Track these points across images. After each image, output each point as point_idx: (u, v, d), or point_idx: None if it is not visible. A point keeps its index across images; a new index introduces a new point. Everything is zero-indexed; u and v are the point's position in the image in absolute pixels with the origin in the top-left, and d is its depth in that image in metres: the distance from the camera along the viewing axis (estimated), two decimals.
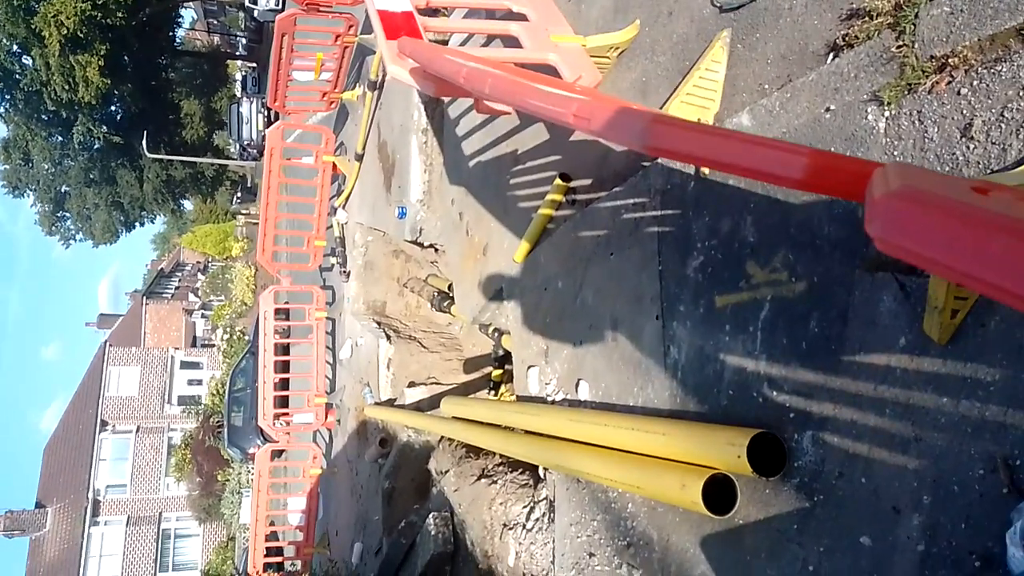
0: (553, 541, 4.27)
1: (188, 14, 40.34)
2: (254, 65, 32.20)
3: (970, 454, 2.04)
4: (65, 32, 23.57)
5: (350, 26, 8.25)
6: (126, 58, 28.78)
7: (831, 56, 2.68)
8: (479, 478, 5.41)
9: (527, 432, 4.52)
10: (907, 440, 2.22)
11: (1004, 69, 2.06)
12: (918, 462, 2.18)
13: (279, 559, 10.67)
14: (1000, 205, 0.76)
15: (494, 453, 5.34)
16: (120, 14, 25.32)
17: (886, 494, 2.27)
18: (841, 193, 1.15)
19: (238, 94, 31.00)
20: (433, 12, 4.77)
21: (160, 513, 27.97)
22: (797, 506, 2.59)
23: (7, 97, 28.44)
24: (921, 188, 0.74)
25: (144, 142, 28.04)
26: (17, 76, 27.04)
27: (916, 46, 2.30)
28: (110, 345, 29.96)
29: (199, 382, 29.84)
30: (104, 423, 28.05)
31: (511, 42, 4.21)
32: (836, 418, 2.48)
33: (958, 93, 2.17)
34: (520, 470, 5.10)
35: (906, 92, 2.31)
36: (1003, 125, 2.05)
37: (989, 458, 2.00)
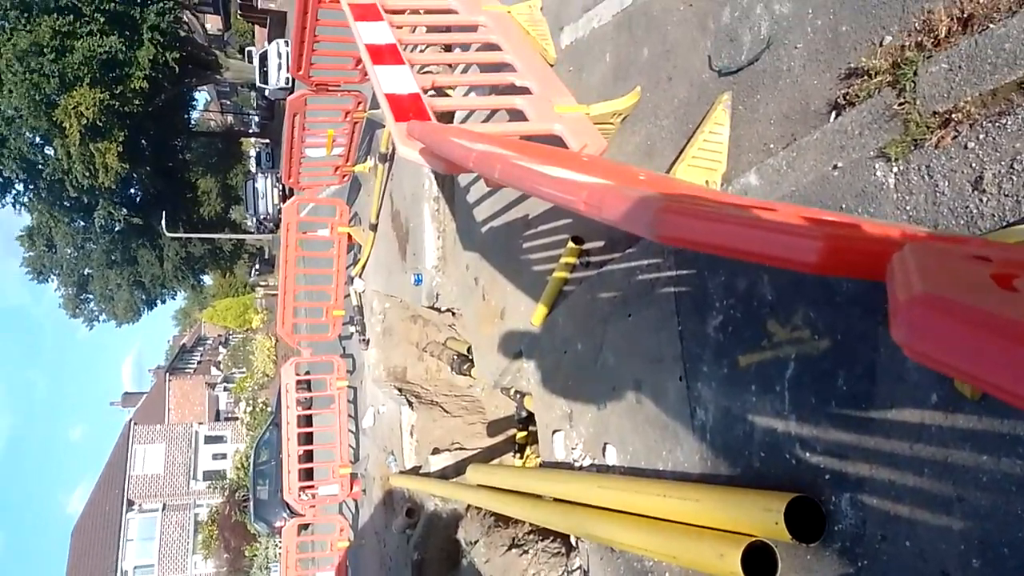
0: None
1: (202, 96, 41.73)
2: (267, 141, 33.10)
3: (1017, 513, 1.98)
4: (85, 122, 24.40)
5: (359, 103, 8.48)
6: (143, 142, 29.69)
7: (833, 114, 2.71)
8: (510, 547, 5.30)
9: (556, 499, 4.44)
10: (949, 500, 2.16)
11: (1009, 122, 2.07)
12: (963, 523, 2.11)
13: None
14: None
15: (524, 521, 5.24)
16: (137, 101, 26.22)
17: (933, 557, 2.20)
18: (860, 275, 1.15)
19: (252, 169, 31.82)
20: (439, 91, 4.90)
21: None
22: (841, 571, 2.50)
23: (31, 187, 29.30)
24: (942, 294, 0.73)
25: (163, 221, 28.68)
26: (40, 166, 27.91)
27: (918, 102, 2.33)
28: (135, 423, 30.09)
29: (223, 456, 29.80)
30: (131, 503, 27.96)
31: (516, 114, 4.30)
32: (873, 478, 2.41)
33: (965, 147, 2.17)
34: (551, 538, 5.00)
35: (912, 147, 2.33)
36: (1014, 177, 2.05)
37: None
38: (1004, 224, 2.04)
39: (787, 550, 2.66)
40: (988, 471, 2.05)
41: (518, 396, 6.05)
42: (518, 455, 7.09)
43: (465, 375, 8.18)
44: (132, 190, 32.34)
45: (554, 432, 4.74)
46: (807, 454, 2.66)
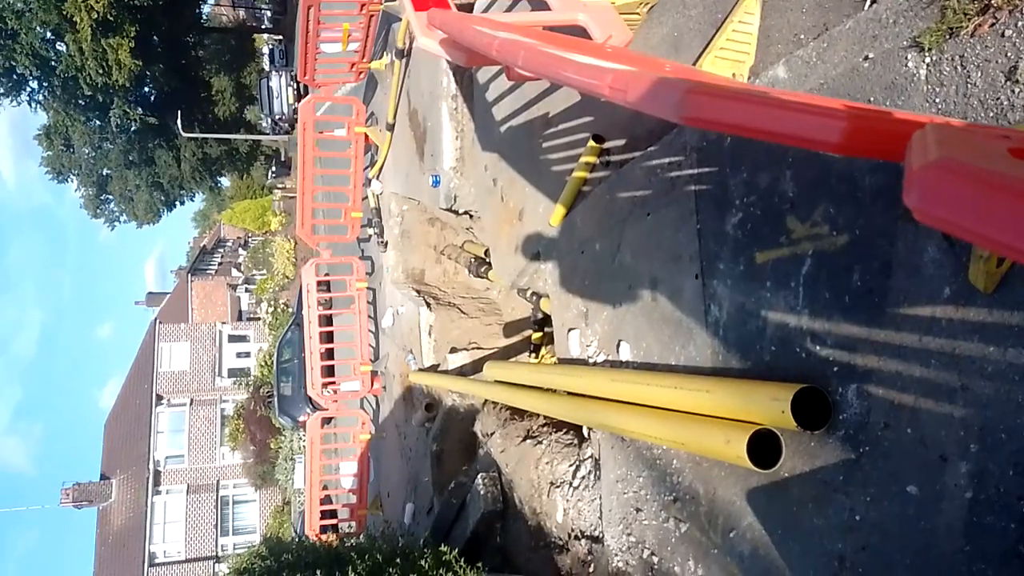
0: (600, 497, 4.37)
1: None
2: (280, 38, 32.23)
3: (1018, 401, 2.05)
4: (96, 16, 23.87)
5: None
6: (155, 38, 29.07)
7: (868, 2, 2.62)
8: (524, 439, 5.53)
9: (570, 393, 4.59)
10: (953, 389, 2.23)
11: None
12: (965, 411, 2.19)
13: (334, 521, 11.06)
14: None
15: (538, 414, 5.44)
16: None
17: (933, 443, 2.29)
18: (882, 155, 1.16)
19: (266, 68, 31.10)
20: None
21: (218, 481, 29.08)
22: (843, 457, 2.61)
23: (45, 85, 29.01)
24: (958, 158, 0.75)
25: (179, 121, 28.43)
26: (53, 63, 27.53)
27: None
28: (160, 322, 30.88)
29: (247, 354, 30.66)
30: (159, 397, 29.09)
31: (538, 4, 4.17)
32: (881, 370, 2.48)
33: (1002, 35, 2.11)
34: (564, 430, 5.20)
35: (947, 36, 2.26)
36: None
37: None
38: None
39: (793, 437, 2.77)
40: (994, 361, 2.10)
41: (535, 297, 6.15)
42: (534, 355, 7.27)
43: (482, 278, 8.28)
44: (146, 88, 31.95)
45: (570, 330, 4.85)
46: (817, 347, 2.73)
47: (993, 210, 0.69)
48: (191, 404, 29.51)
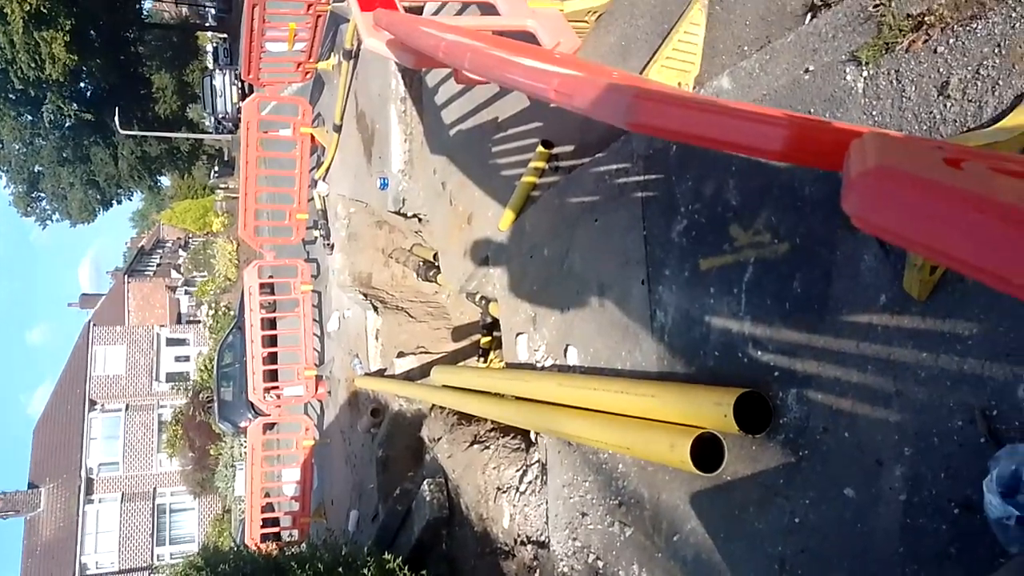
0: (546, 502, 4.36)
1: None
2: (225, 36, 31.47)
3: (949, 406, 2.11)
4: (28, 8, 22.92)
5: None
6: (93, 33, 28.07)
7: (809, 16, 2.69)
8: (471, 444, 5.49)
9: (517, 398, 4.58)
10: (889, 395, 2.29)
11: (979, 27, 2.07)
12: (900, 416, 2.25)
13: (276, 529, 10.80)
14: (971, 180, 0.79)
15: (486, 419, 5.41)
16: None
17: (869, 447, 2.35)
18: (821, 164, 1.18)
19: (210, 66, 30.33)
20: None
21: (154, 489, 28.11)
22: (783, 461, 2.66)
23: None
24: (894, 166, 0.76)
25: (116, 118, 27.47)
26: None
27: (893, 4, 2.31)
28: (94, 325, 29.75)
29: (186, 358, 29.77)
30: (93, 402, 28.00)
31: (488, 9, 4.15)
32: (820, 375, 2.54)
33: (935, 51, 2.19)
34: (512, 435, 5.18)
35: (884, 51, 2.33)
36: (979, 83, 2.08)
37: (967, 409, 2.07)
38: (965, 129, 2.08)
39: (735, 441, 2.81)
40: (927, 367, 2.17)
41: (484, 302, 6.12)
42: (482, 359, 7.24)
43: (431, 281, 8.22)
44: (82, 84, 30.83)
45: (518, 335, 4.84)
46: (759, 353, 2.78)
47: (928, 216, 0.70)
48: (127, 409, 28.49)
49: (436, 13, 5.77)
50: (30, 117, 30.23)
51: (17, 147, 32.78)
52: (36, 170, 34.51)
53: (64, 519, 26.75)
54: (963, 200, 0.67)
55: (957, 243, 0.66)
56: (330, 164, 9.68)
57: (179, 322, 32.69)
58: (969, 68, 2.09)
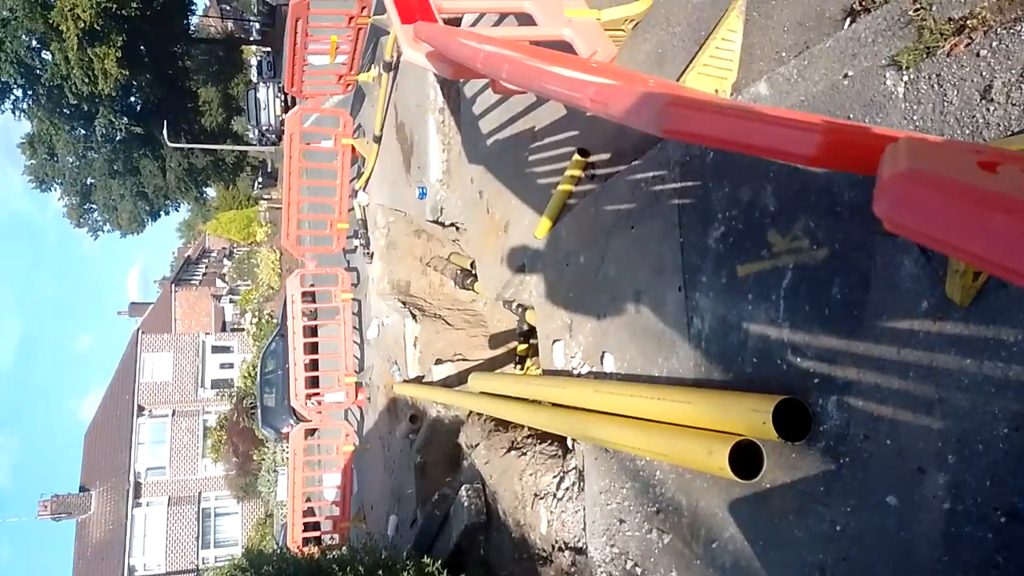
0: (584, 509, 4.36)
1: (200, 1, 40.43)
2: (268, 49, 32.23)
3: (994, 414, 2.08)
4: (82, 25, 23.78)
5: (363, 7, 8.25)
6: (142, 48, 28.99)
7: (848, 21, 2.67)
8: (509, 450, 5.52)
9: (554, 405, 4.60)
10: (931, 402, 2.26)
11: (1023, 29, 2.05)
12: (942, 423, 2.22)
13: (317, 534, 10.96)
14: (1005, 183, 0.79)
15: (522, 426, 5.44)
16: (135, 4, 25.49)
17: (911, 455, 2.32)
18: (856, 168, 1.18)
19: (254, 79, 31.10)
20: None
21: (199, 493, 28.74)
22: (823, 468, 2.64)
23: (29, 93, 28.82)
24: (926, 169, 0.77)
25: (164, 131, 28.31)
26: (38, 72, 27.38)
27: (933, 8, 2.29)
28: (142, 333, 30.59)
29: (231, 365, 30.41)
30: (141, 408, 28.78)
31: (525, 19, 4.21)
32: (860, 382, 2.51)
33: (977, 55, 2.16)
34: (548, 441, 5.20)
35: (924, 56, 2.31)
36: (1023, 86, 2.05)
37: (1013, 416, 2.03)
38: (1009, 133, 2.05)
39: (773, 448, 2.79)
40: (970, 374, 2.14)
41: (520, 309, 6.16)
42: (519, 366, 7.27)
43: (468, 289, 8.28)
44: (132, 98, 31.81)
45: (554, 341, 4.87)
46: (798, 359, 2.76)
47: (957, 218, 0.71)
48: (173, 415, 29.21)
49: (474, 24, 5.85)
50: (83, 131, 31.31)
51: (71, 160, 33.97)
52: (88, 182, 35.70)
53: (113, 522, 27.51)
54: (991, 201, 0.69)
55: (986, 244, 0.68)
56: (370, 174, 9.84)
57: (224, 330, 33.43)
58: (1013, 71, 2.06)
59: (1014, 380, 2.03)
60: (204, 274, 39.93)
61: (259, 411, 17.48)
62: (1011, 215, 0.68)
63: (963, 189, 0.71)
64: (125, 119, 30.37)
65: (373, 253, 9.71)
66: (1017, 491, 1.99)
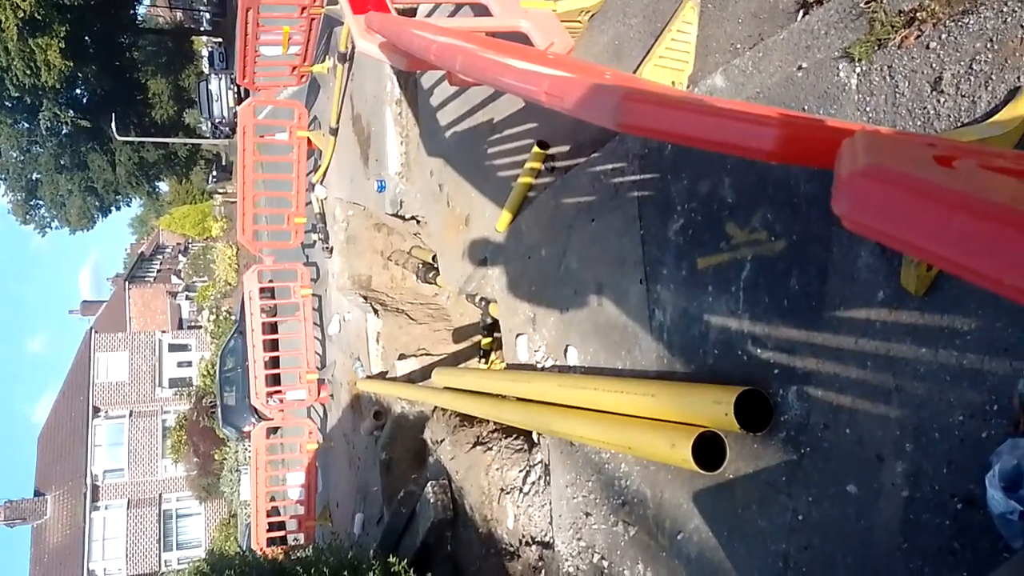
0: (550, 503, 4.36)
1: None
2: (220, 40, 31.51)
3: (949, 401, 2.11)
4: (22, 15, 22.92)
5: None
6: (87, 39, 28.10)
7: (801, 13, 2.68)
8: (474, 445, 5.49)
9: (519, 399, 4.58)
10: (888, 391, 2.29)
11: (971, 21, 2.07)
12: (900, 411, 2.25)
13: (282, 533, 10.80)
14: (961, 179, 0.78)
15: (488, 420, 5.42)
16: None
17: (870, 443, 2.35)
18: (814, 162, 1.17)
19: (206, 71, 30.37)
20: None
21: (160, 494, 28.16)
22: (785, 458, 2.66)
23: None
24: (885, 166, 0.76)
25: (113, 124, 27.48)
26: None
27: (884, 1, 2.31)
28: (96, 332, 29.77)
29: (189, 364, 29.79)
30: (96, 409, 28.03)
31: (480, 10, 4.15)
32: (819, 372, 2.54)
33: (927, 47, 2.18)
34: (514, 435, 5.18)
35: (876, 47, 2.32)
36: (972, 78, 2.07)
37: (968, 404, 2.06)
38: (959, 125, 2.08)
39: (736, 440, 2.81)
40: (926, 362, 2.17)
41: (483, 303, 6.12)
42: (483, 360, 7.24)
43: (430, 283, 8.21)
44: (78, 90, 30.85)
45: (517, 336, 4.84)
46: (758, 350, 2.78)
47: (917, 217, 0.70)
48: (130, 416, 28.52)
49: (429, 15, 5.76)
50: (27, 124, 30.26)
51: (15, 155, 32.81)
52: (34, 177, 34.54)
53: (71, 526, 26.80)
54: (952, 200, 0.67)
55: (946, 244, 0.66)
56: (327, 167, 9.68)
57: (180, 327, 32.73)
58: (962, 63, 2.08)
59: (968, 368, 2.06)
60: (159, 271, 39.01)
61: (219, 410, 17.14)
62: (970, 213, 0.66)
63: (923, 187, 0.70)
64: (71, 112, 29.43)
65: (332, 247, 9.57)
66: (972, 478, 2.02)
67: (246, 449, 17.49)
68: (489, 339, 6.90)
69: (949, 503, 2.10)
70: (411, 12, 5.70)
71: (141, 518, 27.62)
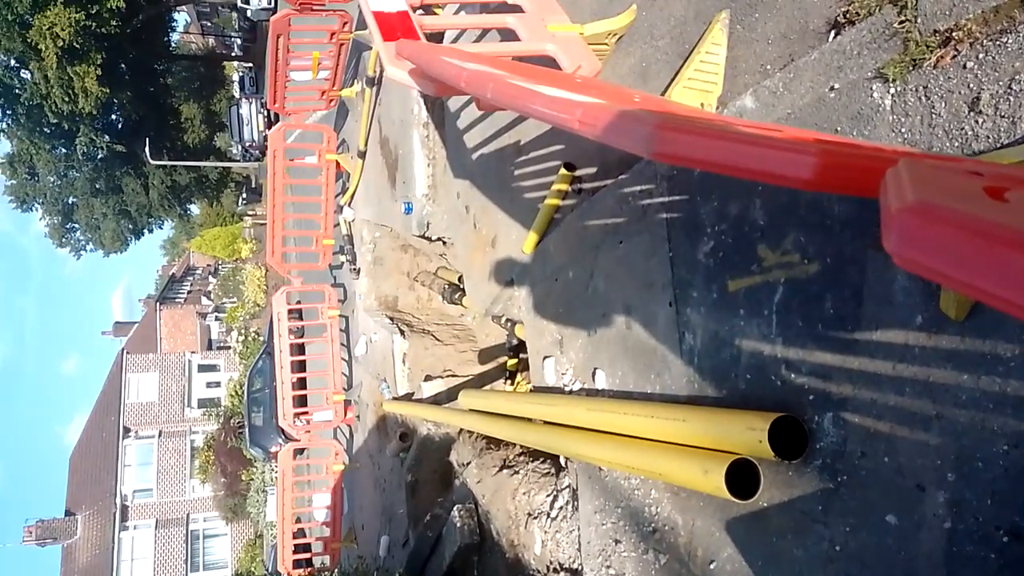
0: (578, 529, 4.30)
1: (181, 17, 40.36)
2: (250, 65, 32.20)
3: (992, 430, 2.04)
4: (61, 44, 23.60)
5: (344, 23, 8.20)
6: (123, 66, 28.84)
7: (832, 34, 2.66)
8: (501, 468, 5.45)
9: (546, 422, 4.54)
10: (928, 418, 2.22)
11: (1010, 40, 2.03)
12: (940, 439, 2.18)
13: (307, 555, 10.79)
14: (1018, 212, 0.75)
15: (514, 444, 5.38)
16: (114, 22, 25.32)
17: (910, 472, 2.28)
18: (854, 191, 1.15)
19: (236, 95, 31.00)
20: (427, 9, 4.75)
21: (188, 515, 28.37)
22: (821, 487, 2.59)
23: (9, 112, 28.55)
24: (936, 201, 0.73)
25: (147, 149, 28.12)
26: (17, 91, 27.12)
27: (918, 20, 2.28)
28: (127, 352, 30.25)
29: (217, 384, 30.12)
30: (127, 430, 28.41)
31: (507, 34, 4.18)
32: (856, 398, 2.48)
33: (964, 67, 2.14)
34: (541, 459, 5.14)
35: (911, 68, 2.29)
36: (1011, 98, 2.03)
37: (1012, 433, 2.00)
38: (999, 146, 2.03)
39: (770, 467, 2.75)
40: (967, 389, 2.10)
41: (509, 324, 6.10)
42: (509, 382, 7.21)
43: (456, 304, 8.21)
44: (113, 116, 31.62)
45: (545, 358, 4.81)
46: (792, 375, 2.72)
47: (976, 259, 0.67)
48: (160, 436, 28.86)
49: (456, 40, 5.82)
50: (64, 150, 31.03)
51: (52, 179, 33.65)
52: (70, 202, 35.38)
53: (100, 546, 27.07)
54: (1011, 239, 0.65)
55: (1007, 287, 0.63)
56: (355, 190, 9.78)
57: (210, 348, 33.14)
58: (1001, 83, 2.04)
59: (1012, 395, 2.00)
60: (189, 292, 39.61)
61: (247, 430, 17.28)
62: None
63: (979, 226, 0.67)
64: (106, 137, 30.14)
65: (359, 269, 9.64)
66: (1018, 509, 1.95)
67: (273, 470, 17.57)
68: (515, 360, 6.88)
69: (994, 535, 2.02)
70: (439, 37, 5.77)
71: (169, 538, 27.82)
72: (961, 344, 2.13)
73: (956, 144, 2.16)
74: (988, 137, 2.07)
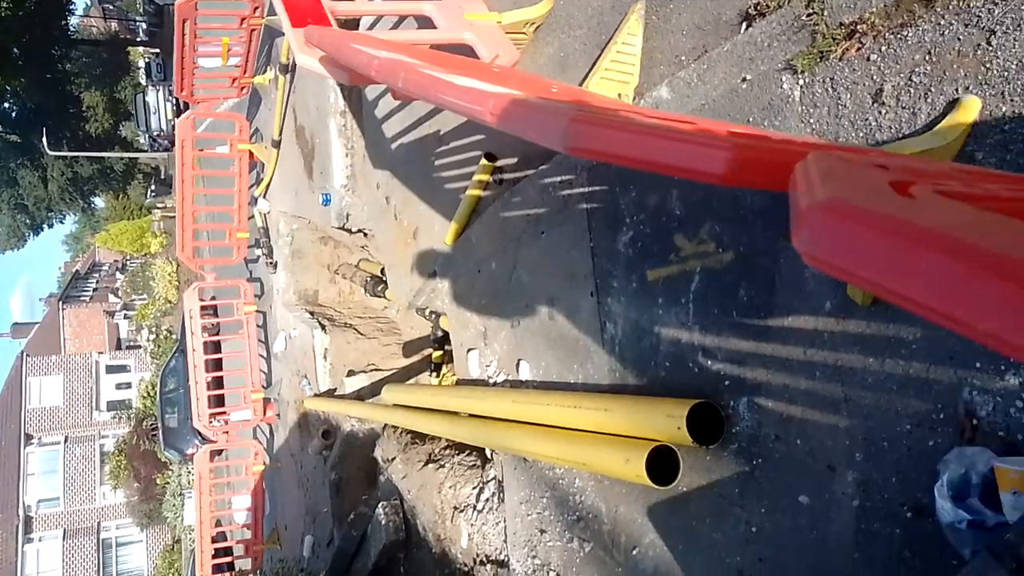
0: (504, 520, 4.29)
1: (80, 0, 38.02)
2: (157, 51, 30.66)
3: (897, 411, 2.13)
4: None
5: (255, 8, 7.87)
6: (16, 51, 26.99)
7: (744, 25, 2.70)
8: (426, 463, 5.38)
9: (471, 415, 4.51)
10: (837, 401, 2.30)
11: (910, 34, 2.10)
12: (849, 421, 2.26)
13: (229, 559, 10.44)
14: (923, 210, 0.76)
15: (440, 437, 5.32)
16: (5, 4, 23.66)
17: (821, 454, 2.35)
18: (766, 186, 1.15)
19: (143, 82, 29.49)
20: None
21: (99, 523, 27.02)
22: (737, 470, 2.66)
23: None
24: (845, 198, 0.73)
25: (44, 139, 26.43)
26: None
27: (826, 13, 2.33)
28: (27, 355, 28.47)
29: (128, 385, 28.73)
30: (29, 436, 26.78)
31: (424, 22, 4.09)
32: (769, 383, 2.54)
33: (868, 59, 2.21)
34: (467, 452, 5.10)
35: (818, 60, 2.35)
36: (912, 89, 2.10)
37: (915, 413, 2.08)
38: (900, 136, 2.10)
39: (689, 453, 2.79)
40: (873, 372, 2.18)
41: (433, 316, 6.02)
42: (434, 374, 7.13)
43: (379, 297, 8.07)
44: (7, 104, 29.61)
45: (469, 350, 4.77)
46: (709, 362, 2.77)
47: (886, 258, 0.67)
48: (66, 442, 27.32)
49: (372, 27, 5.68)
50: None
51: None
52: None
53: (2, 561, 25.47)
54: (921, 239, 0.64)
55: (922, 290, 0.63)
56: (270, 180, 9.46)
57: (119, 348, 31.54)
58: (902, 75, 2.12)
59: (914, 377, 2.08)
60: (95, 289, 37.58)
61: (161, 433, 16.55)
62: (946, 255, 0.63)
63: (890, 224, 0.66)
64: None
65: (277, 262, 9.34)
66: (922, 487, 2.04)
67: (189, 472, 16.93)
68: (440, 352, 6.80)
69: (899, 512, 2.11)
70: (354, 24, 5.61)
71: (78, 549, 26.43)
72: (867, 329, 2.21)
73: (861, 135, 2.23)
74: (891, 127, 2.15)
